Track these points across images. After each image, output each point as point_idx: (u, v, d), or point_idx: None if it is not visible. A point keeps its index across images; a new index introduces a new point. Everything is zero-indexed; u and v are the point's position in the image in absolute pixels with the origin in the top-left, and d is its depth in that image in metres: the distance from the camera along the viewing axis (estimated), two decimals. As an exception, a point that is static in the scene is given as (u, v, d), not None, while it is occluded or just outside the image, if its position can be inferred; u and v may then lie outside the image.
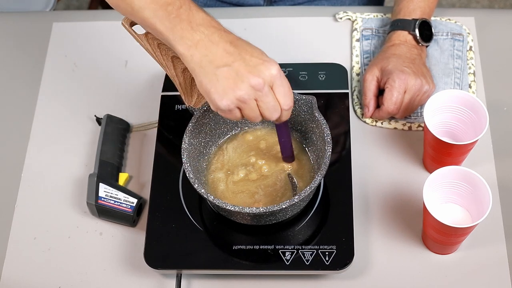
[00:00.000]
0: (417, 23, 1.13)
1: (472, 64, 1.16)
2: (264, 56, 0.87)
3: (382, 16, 1.23)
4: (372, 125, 1.13)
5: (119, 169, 1.10)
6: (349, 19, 1.24)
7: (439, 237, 0.97)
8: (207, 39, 0.86)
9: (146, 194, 1.07)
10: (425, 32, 1.15)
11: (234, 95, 0.85)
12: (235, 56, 0.86)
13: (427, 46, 1.17)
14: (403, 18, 1.15)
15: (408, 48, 1.13)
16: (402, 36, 1.14)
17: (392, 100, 1.09)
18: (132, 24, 1.00)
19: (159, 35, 0.89)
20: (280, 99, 0.88)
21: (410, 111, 1.12)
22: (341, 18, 1.23)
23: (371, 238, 1.03)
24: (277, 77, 0.87)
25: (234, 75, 0.85)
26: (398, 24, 1.15)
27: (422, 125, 1.11)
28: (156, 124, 1.12)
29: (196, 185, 0.95)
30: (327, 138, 0.96)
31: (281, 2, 1.33)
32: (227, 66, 0.85)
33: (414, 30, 1.13)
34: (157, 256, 1.00)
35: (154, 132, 1.12)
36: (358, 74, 1.17)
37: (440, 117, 1.04)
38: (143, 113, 1.16)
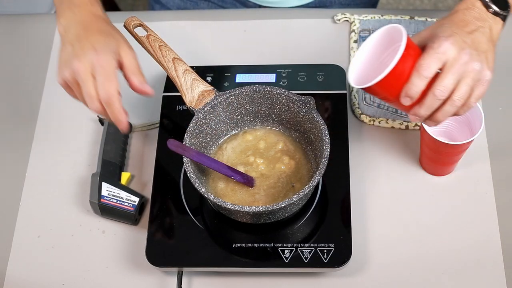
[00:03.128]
0: None
1: (469, 65, 1.16)
2: (98, 45, 0.91)
3: (379, 17, 1.24)
4: (369, 125, 1.13)
5: (121, 168, 1.11)
6: (347, 20, 1.25)
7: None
8: (73, 18, 0.95)
9: (148, 193, 1.08)
10: (500, 1, 0.93)
11: (62, 73, 0.92)
12: (79, 38, 0.93)
13: (503, 19, 0.93)
14: None
15: (474, 15, 0.91)
16: (470, 2, 0.93)
17: (422, 68, 0.86)
18: (134, 26, 1.01)
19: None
20: (99, 93, 0.91)
21: (457, 104, 0.88)
22: (339, 20, 1.24)
23: (369, 236, 1.04)
24: (98, 71, 0.90)
25: (69, 56, 0.92)
26: None
27: (419, 124, 1.12)
28: (158, 124, 1.12)
29: (197, 184, 0.95)
30: (325, 138, 0.97)
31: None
32: (70, 45, 0.92)
33: None
34: (159, 254, 1.00)
35: (155, 132, 1.12)
36: (356, 75, 1.18)
37: (436, 117, 1.05)
38: (145, 113, 1.16)
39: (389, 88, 0.88)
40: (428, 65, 0.86)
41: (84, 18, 0.95)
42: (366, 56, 0.93)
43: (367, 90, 0.90)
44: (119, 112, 0.91)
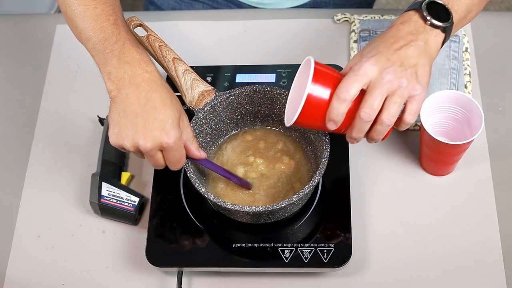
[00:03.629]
0: (425, 1, 0.91)
1: (468, 65, 1.16)
2: (167, 125, 0.89)
3: (379, 17, 1.24)
4: (369, 125, 1.14)
5: (121, 168, 1.11)
6: (347, 20, 1.25)
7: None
8: (128, 79, 0.90)
9: (148, 193, 1.08)
10: (440, 13, 0.91)
11: (122, 142, 0.90)
12: (141, 109, 0.89)
13: (444, 30, 0.90)
14: (416, 1, 0.93)
15: (408, 29, 0.89)
16: (407, 15, 0.91)
17: (341, 92, 0.86)
18: (134, 26, 1.01)
19: (97, 66, 0.93)
20: (167, 163, 0.92)
21: (380, 124, 0.88)
22: (339, 20, 1.24)
23: (369, 236, 1.04)
24: (167, 149, 0.90)
25: (130, 126, 0.89)
26: (408, 8, 0.93)
27: (419, 124, 1.12)
28: (158, 125, 1.13)
29: (197, 184, 0.95)
30: (325, 138, 0.97)
31: None
32: (130, 114, 0.89)
33: (421, 7, 0.90)
34: (159, 254, 1.00)
35: (155, 132, 1.13)
36: (356, 75, 1.18)
37: (436, 117, 1.05)
38: (145, 113, 1.17)
39: (314, 119, 0.90)
40: (346, 88, 0.86)
41: (141, 82, 0.89)
42: (295, 92, 0.94)
43: (296, 125, 0.91)
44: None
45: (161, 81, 0.91)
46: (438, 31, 0.91)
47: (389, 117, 0.87)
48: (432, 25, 0.90)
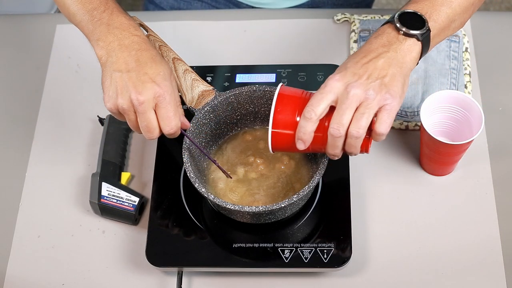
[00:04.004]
0: (399, 12, 0.91)
1: (468, 65, 1.17)
2: (158, 77, 0.90)
3: (379, 17, 1.24)
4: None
5: (121, 168, 1.11)
6: (347, 20, 1.25)
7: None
8: (117, 42, 0.91)
9: (148, 193, 1.08)
10: (415, 23, 0.91)
11: (116, 101, 0.90)
12: (132, 66, 0.90)
13: (419, 38, 0.90)
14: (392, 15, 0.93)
15: (381, 41, 0.89)
16: (382, 29, 0.92)
17: (307, 111, 0.87)
18: (134, 26, 1.01)
19: (86, 37, 0.94)
20: (160, 121, 0.92)
21: (350, 140, 0.87)
22: (339, 20, 1.25)
23: (369, 236, 1.04)
24: (160, 100, 0.90)
25: (123, 84, 0.90)
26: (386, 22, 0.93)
27: (419, 124, 1.12)
28: (158, 125, 1.13)
29: (197, 184, 0.95)
30: (325, 138, 0.98)
31: None
32: (121, 73, 0.90)
33: (393, 18, 0.90)
34: (159, 253, 1.01)
35: (155, 132, 1.13)
36: (356, 75, 1.18)
37: (436, 117, 1.05)
38: (145, 113, 1.17)
39: (287, 142, 0.91)
40: (312, 107, 0.86)
41: (130, 43, 0.91)
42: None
43: (275, 150, 0.93)
44: (177, 134, 0.94)
45: (150, 43, 0.94)
46: (413, 39, 0.90)
47: (356, 129, 0.86)
48: (406, 34, 0.90)
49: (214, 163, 1.00)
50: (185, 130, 0.97)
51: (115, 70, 0.90)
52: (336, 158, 0.92)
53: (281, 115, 0.90)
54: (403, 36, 0.90)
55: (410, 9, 0.92)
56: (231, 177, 1.02)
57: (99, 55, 0.92)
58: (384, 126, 0.87)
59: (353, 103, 0.86)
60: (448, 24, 0.95)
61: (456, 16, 0.95)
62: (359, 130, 0.86)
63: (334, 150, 0.89)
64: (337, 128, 0.86)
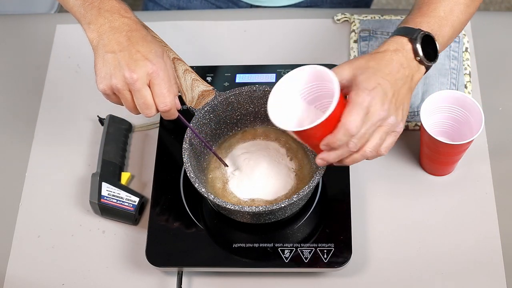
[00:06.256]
0: (421, 33, 0.91)
1: (468, 65, 1.17)
2: (150, 55, 0.90)
3: (379, 17, 1.24)
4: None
5: (121, 168, 1.11)
6: (347, 20, 1.25)
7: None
8: (108, 25, 0.92)
9: (148, 193, 1.08)
10: (429, 50, 0.92)
11: (110, 82, 0.90)
12: (123, 46, 0.90)
13: (427, 68, 0.93)
14: (408, 26, 0.94)
15: (401, 60, 0.90)
16: (400, 43, 0.91)
17: (351, 127, 0.85)
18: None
19: (79, 22, 0.95)
20: (155, 99, 0.91)
21: (363, 151, 0.88)
22: (339, 20, 1.25)
23: (369, 236, 1.04)
24: (154, 77, 0.90)
25: (116, 63, 0.90)
26: (399, 30, 0.94)
27: (419, 124, 1.12)
28: (158, 124, 1.13)
29: (197, 184, 0.95)
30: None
31: None
32: (114, 53, 0.90)
33: (416, 39, 0.91)
34: (159, 254, 1.01)
35: (155, 132, 1.13)
36: (356, 75, 1.18)
37: (436, 117, 1.05)
38: (145, 113, 1.17)
39: (315, 135, 0.87)
40: (356, 124, 0.85)
41: (121, 25, 0.92)
42: (284, 94, 0.91)
43: (296, 133, 0.87)
44: (174, 114, 0.94)
45: (141, 24, 0.94)
46: (423, 67, 0.93)
47: (371, 150, 0.88)
48: (421, 62, 0.92)
49: (210, 150, 1.01)
50: (180, 111, 0.96)
51: (107, 51, 0.91)
52: (323, 165, 0.91)
53: (334, 113, 0.84)
54: (417, 63, 0.92)
55: (424, 28, 0.93)
56: (227, 165, 1.03)
57: (91, 38, 0.93)
58: (386, 150, 0.90)
59: (377, 124, 0.87)
60: (445, 46, 0.98)
61: (454, 36, 0.99)
62: (374, 151, 0.88)
63: (337, 159, 0.89)
64: (356, 143, 0.86)
